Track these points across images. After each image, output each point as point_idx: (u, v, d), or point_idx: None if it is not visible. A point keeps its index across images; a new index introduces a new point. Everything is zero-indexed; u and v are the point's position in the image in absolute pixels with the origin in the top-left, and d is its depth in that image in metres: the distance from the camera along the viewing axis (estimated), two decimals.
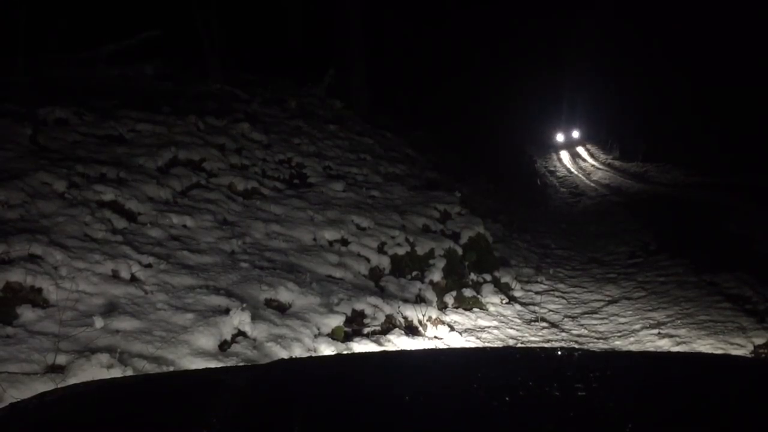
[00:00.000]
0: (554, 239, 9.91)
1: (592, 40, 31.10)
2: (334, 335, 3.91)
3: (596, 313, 5.69)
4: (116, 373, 2.75)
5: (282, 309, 4.02)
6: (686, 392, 1.15)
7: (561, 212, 13.83)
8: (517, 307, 5.70)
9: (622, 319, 5.37)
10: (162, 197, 4.92)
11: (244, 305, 3.66)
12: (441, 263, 5.64)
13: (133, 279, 3.76)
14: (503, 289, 6.04)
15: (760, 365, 1.83)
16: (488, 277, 6.06)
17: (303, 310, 4.01)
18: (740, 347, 4.37)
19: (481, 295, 5.63)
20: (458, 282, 5.66)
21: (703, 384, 1.20)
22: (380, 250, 5.45)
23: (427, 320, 4.62)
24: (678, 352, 4.05)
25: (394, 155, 9.30)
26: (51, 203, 4.14)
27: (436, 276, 5.47)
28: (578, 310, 5.82)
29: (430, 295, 5.12)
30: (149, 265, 3.90)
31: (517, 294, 6.19)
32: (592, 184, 19.71)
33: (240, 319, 3.53)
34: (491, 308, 5.47)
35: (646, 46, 23.62)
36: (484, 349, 3.10)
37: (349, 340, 3.95)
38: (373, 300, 4.45)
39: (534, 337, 4.98)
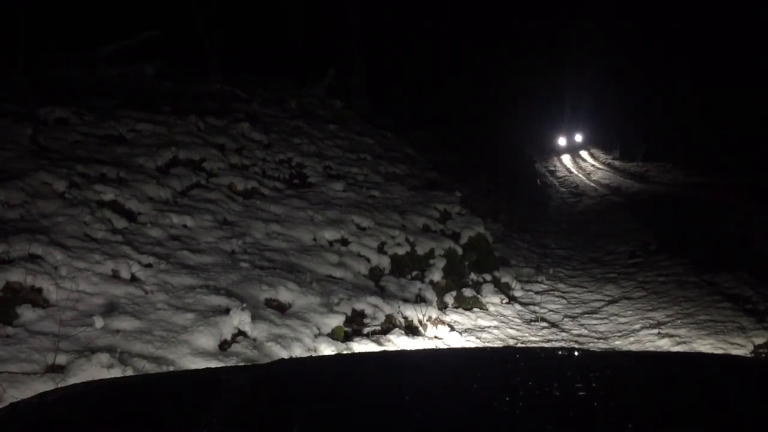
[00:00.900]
0: (554, 239, 9.91)
1: (593, 40, 31.04)
2: (334, 335, 3.91)
3: (596, 313, 5.69)
4: (116, 373, 2.75)
5: (282, 309, 4.02)
6: (686, 392, 1.15)
7: (561, 212, 13.83)
8: (517, 306, 5.70)
9: (622, 319, 5.37)
10: (162, 197, 4.92)
11: (244, 305, 3.66)
12: (441, 263, 5.64)
13: (133, 279, 3.76)
14: (503, 289, 6.04)
15: (760, 365, 1.83)
16: (488, 277, 6.06)
17: (303, 309, 4.01)
18: (740, 347, 4.37)
19: (481, 295, 5.63)
20: (458, 282, 5.66)
21: (703, 384, 1.20)
22: (380, 249, 5.45)
23: (427, 320, 4.62)
24: (678, 352, 4.05)
25: (394, 155, 9.30)
26: (51, 203, 4.14)
27: (436, 276, 5.47)
28: (578, 310, 5.82)
29: (430, 295, 5.12)
30: (149, 265, 3.90)
31: (517, 294, 6.19)
32: (593, 184, 19.71)
33: (240, 319, 3.53)
34: (491, 308, 5.47)
35: (647, 46, 23.62)
36: (484, 349, 3.10)
37: (349, 340, 3.95)
38: (373, 300, 4.45)
39: (534, 337, 4.98)
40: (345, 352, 3.70)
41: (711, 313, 5.14)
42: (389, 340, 4.06)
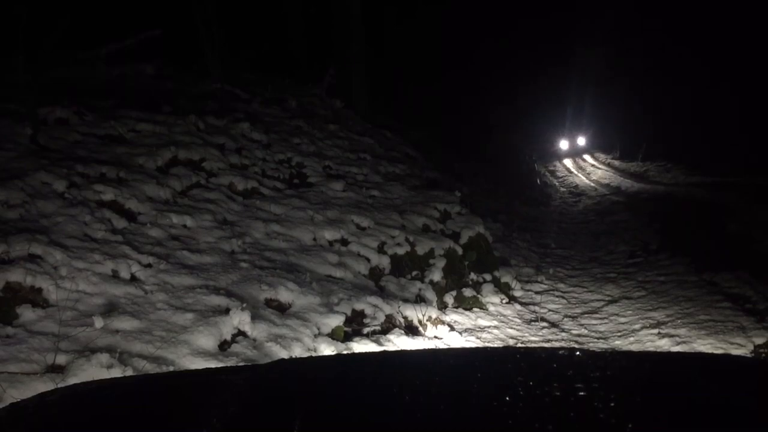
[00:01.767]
0: (554, 239, 9.91)
1: (595, 41, 30.86)
2: (334, 335, 3.91)
3: (596, 312, 5.69)
4: (116, 373, 2.75)
5: (282, 309, 4.02)
6: (686, 392, 1.15)
7: (561, 212, 13.82)
8: (517, 306, 5.70)
9: (622, 319, 5.37)
10: (162, 197, 4.92)
11: (244, 305, 3.66)
12: (441, 263, 5.64)
13: (133, 279, 3.76)
14: (503, 289, 6.04)
15: (760, 365, 1.83)
16: (488, 277, 6.06)
17: (303, 309, 4.01)
18: (740, 347, 4.38)
19: (481, 295, 5.63)
20: (458, 282, 5.67)
21: (703, 384, 1.20)
22: (380, 249, 5.45)
23: (427, 320, 4.62)
24: (678, 352, 4.05)
25: (394, 155, 9.30)
26: (51, 203, 4.14)
27: (436, 276, 5.47)
28: (578, 310, 5.82)
29: (430, 294, 5.12)
30: (149, 265, 3.90)
31: (517, 294, 6.19)
32: (592, 184, 19.71)
33: (240, 319, 3.53)
34: (491, 308, 5.47)
35: (647, 46, 23.62)
36: (484, 349, 3.10)
37: (349, 340, 3.95)
38: (373, 300, 4.45)
39: (534, 337, 4.98)
40: (345, 352, 3.70)
41: (711, 312, 5.14)
42: (389, 340, 4.06)
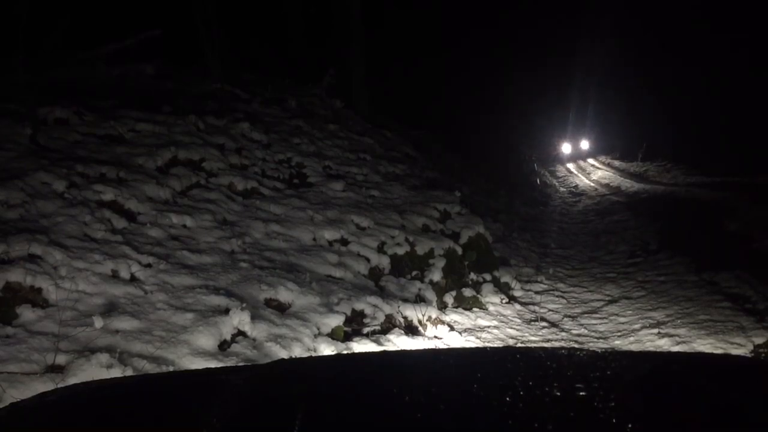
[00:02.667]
0: (554, 238, 9.92)
1: (598, 41, 30.74)
2: (334, 335, 3.91)
3: (596, 312, 5.69)
4: (116, 373, 2.75)
5: (282, 309, 4.02)
6: (686, 392, 1.15)
7: (561, 211, 13.82)
8: (517, 306, 5.71)
9: (622, 319, 5.37)
10: (162, 197, 4.92)
11: (244, 305, 3.66)
12: (441, 263, 5.64)
13: (133, 279, 3.76)
14: (503, 289, 6.04)
15: (760, 365, 1.83)
16: (488, 277, 6.06)
17: (303, 309, 4.01)
18: (740, 347, 4.38)
19: (481, 295, 5.63)
20: (458, 282, 5.67)
21: (703, 384, 1.20)
22: (380, 249, 5.45)
23: (426, 320, 4.62)
24: (678, 352, 4.05)
25: (394, 155, 9.30)
26: (51, 203, 4.14)
27: (436, 276, 5.47)
28: (578, 310, 5.82)
29: (430, 294, 5.12)
30: (149, 265, 3.90)
31: (517, 293, 6.19)
32: (592, 184, 19.72)
33: (240, 319, 3.53)
34: (491, 308, 5.47)
35: (648, 45, 23.62)
36: (484, 349, 3.10)
37: (349, 340, 3.95)
38: (372, 300, 4.45)
39: (534, 336, 4.98)
40: (345, 352, 3.70)
41: (711, 312, 5.14)
42: (389, 340, 4.07)
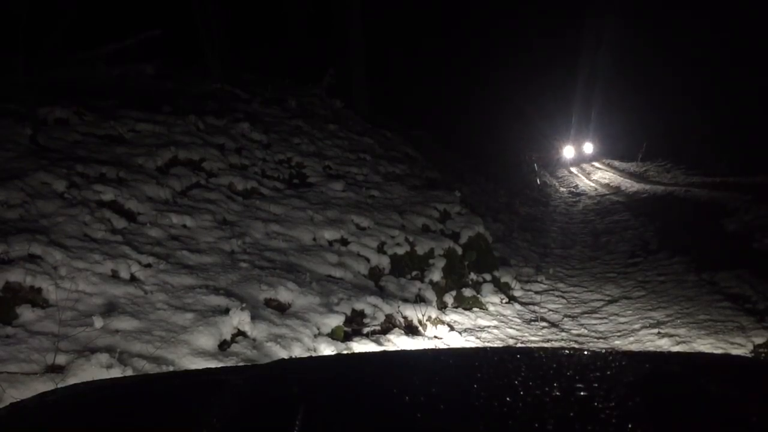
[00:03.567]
0: (554, 238, 9.91)
1: (599, 41, 30.64)
2: (333, 335, 3.91)
3: (596, 312, 5.69)
4: (116, 373, 2.75)
5: (282, 309, 4.02)
6: (686, 392, 1.15)
7: (561, 211, 13.82)
8: (517, 306, 5.70)
9: (622, 319, 5.37)
10: (162, 197, 4.92)
11: (244, 305, 3.66)
12: (441, 263, 5.64)
13: (133, 279, 3.76)
14: (503, 289, 6.04)
15: (760, 365, 1.83)
16: (488, 277, 6.06)
17: (303, 309, 4.01)
18: (740, 346, 4.37)
19: (481, 295, 5.63)
20: (458, 282, 5.67)
21: (703, 384, 1.20)
22: (380, 249, 5.45)
23: (426, 320, 4.62)
24: (678, 352, 4.05)
25: (394, 155, 9.29)
26: (51, 203, 4.14)
27: (436, 276, 5.47)
28: (578, 310, 5.82)
29: (430, 294, 5.12)
30: (149, 265, 3.90)
31: (517, 293, 6.19)
32: (592, 184, 19.72)
33: (240, 319, 3.53)
34: (491, 308, 5.47)
35: (647, 45, 23.62)
36: (484, 349, 3.10)
37: (349, 340, 3.95)
38: (372, 300, 4.45)
39: (534, 336, 4.98)
40: (345, 352, 3.70)
41: (711, 312, 5.14)
42: (389, 340, 4.06)
